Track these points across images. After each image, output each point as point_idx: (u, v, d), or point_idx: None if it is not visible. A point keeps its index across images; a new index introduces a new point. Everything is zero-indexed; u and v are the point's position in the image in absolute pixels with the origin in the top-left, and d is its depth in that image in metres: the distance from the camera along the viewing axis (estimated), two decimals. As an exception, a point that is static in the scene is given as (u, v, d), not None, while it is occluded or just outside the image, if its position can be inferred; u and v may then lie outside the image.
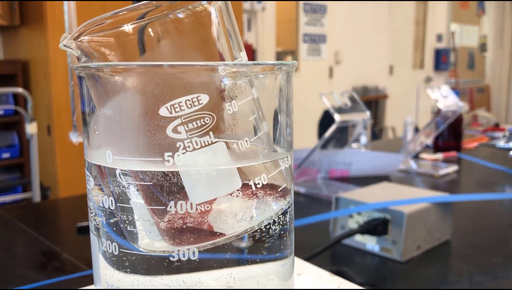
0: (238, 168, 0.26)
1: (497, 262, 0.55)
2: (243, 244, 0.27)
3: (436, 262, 0.55)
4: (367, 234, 0.56)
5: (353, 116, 0.84)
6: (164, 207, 0.25)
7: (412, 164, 1.05)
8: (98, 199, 0.27)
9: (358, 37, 4.72)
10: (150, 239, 0.26)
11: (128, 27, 0.27)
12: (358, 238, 0.58)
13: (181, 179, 0.25)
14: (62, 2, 0.65)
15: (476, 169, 1.08)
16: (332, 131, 0.83)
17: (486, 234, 0.66)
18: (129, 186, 0.26)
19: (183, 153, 0.25)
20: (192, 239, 0.26)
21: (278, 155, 0.28)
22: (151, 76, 0.25)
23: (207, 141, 0.25)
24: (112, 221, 0.27)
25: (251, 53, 3.74)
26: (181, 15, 0.27)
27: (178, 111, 0.24)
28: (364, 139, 1.20)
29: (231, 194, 0.26)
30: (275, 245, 0.28)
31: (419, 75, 5.66)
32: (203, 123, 0.25)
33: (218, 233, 0.26)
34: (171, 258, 0.26)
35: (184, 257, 0.25)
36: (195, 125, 0.25)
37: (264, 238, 0.28)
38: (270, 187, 0.27)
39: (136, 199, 0.26)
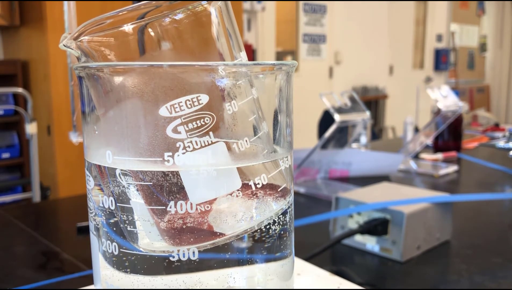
0: (238, 168, 0.26)
1: (497, 262, 0.55)
2: (243, 244, 0.27)
3: (436, 262, 0.55)
4: (367, 234, 0.56)
5: (353, 116, 0.84)
6: (164, 207, 0.25)
7: (412, 164, 1.05)
8: (98, 199, 0.27)
9: (358, 37, 4.72)
10: (150, 239, 0.26)
11: (128, 27, 0.27)
12: (358, 238, 0.58)
13: (181, 179, 0.25)
14: (62, 2, 0.65)
15: (476, 169, 1.08)
16: (332, 131, 0.83)
17: (486, 234, 0.66)
18: (129, 186, 0.26)
19: (183, 153, 0.25)
20: (192, 239, 0.26)
21: (278, 155, 0.28)
22: (151, 76, 0.25)
23: (207, 141, 0.25)
24: (112, 221, 0.27)
25: (251, 53, 3.74)
26: (181, 15, 0.27)
27: (178, 111, 0.24)
28: (364, 139, 1.20)
29: (231, 194, 0.26)
30: (275, 245, 0.28)
31: (419, 75, 5.66)
32: (203, 123, 0.25)
33: (218, 233, 0.26)
34: (171, 258, 0.26)
35: (184, 257, 0.26)
36: (195, 125, 0.25)
37: (264, 238, 0.28)
38: (270, 187, 0.27)
39: (136, 199, 0.26)
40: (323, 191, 0.86)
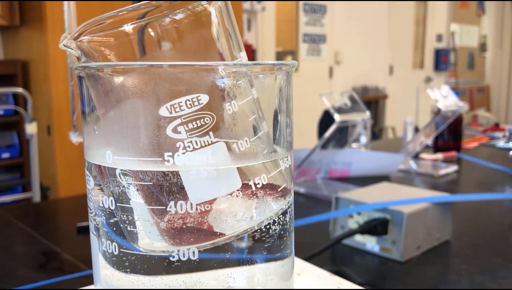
0: (238, 168, 0.26)
1: (497, 262, 0.55)
2: (243, 244, 0.27)
3: (436, 262, 0.55)
4: (367, 234, 0.56)
5: (353, 116, 0.84)
6: (164, 207, 0.25)
7: (412, 164, 1.05)
8: (98, 199, 0.27)
9: (358, 37, 4.72)
10: (150, 239, 0.26)
11: (128, 27, 0.27)
12: (358, 238, 0.58)
13: (181, 179, 0.25)
14: (62, 2, 0.65)
15: (476, 169, 1.08)
16: (332, 131, 0.83)
17: (486, 234, 0.66)
18: (129, 186, 0.26)
19: (183, 153, 0.25)
20: (192, 239, 0.26)
21: (278, 155, 0.28)
22: (151, 76, 0.25)
23: (207, 141, 0.25)
24: (112, 221, 0.27)
25: (251, 53, 3.74)
26: (181, 15, 0.27)
27: (178, 111, 0.24)
28: (364, 139, 1.20)
29: (231, 194, 0.26)
30: (275, 245, 0.28)
31: (419, 75, 5.65)
32: (203, 123, 0.25)
33: (218, 233, 0.26)
34: (171, 258, 0.26)
35: (184, 257, 0.26)
36: (195, 125, 0.25)
37: (264, 238, 0.28)
38: (270, 187, 0.27)
39: (136, 199, 0.26)
40: (323, 191, 0.86)
